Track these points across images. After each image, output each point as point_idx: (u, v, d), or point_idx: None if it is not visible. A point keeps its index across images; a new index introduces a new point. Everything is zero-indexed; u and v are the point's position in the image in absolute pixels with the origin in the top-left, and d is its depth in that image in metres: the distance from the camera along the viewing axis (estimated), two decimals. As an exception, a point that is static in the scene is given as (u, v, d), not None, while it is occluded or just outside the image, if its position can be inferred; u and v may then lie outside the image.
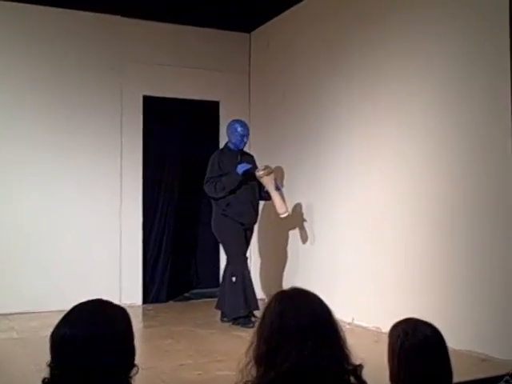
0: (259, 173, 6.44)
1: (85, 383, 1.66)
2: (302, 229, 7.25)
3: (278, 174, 7.21)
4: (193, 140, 8.38)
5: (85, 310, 1.77)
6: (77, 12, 7.39)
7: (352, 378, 1.80)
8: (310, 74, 7.20)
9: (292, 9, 7.51)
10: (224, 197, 6.43)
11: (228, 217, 6.46)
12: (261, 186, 6.63)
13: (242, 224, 6.52)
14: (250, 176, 6.48)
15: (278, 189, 6.61)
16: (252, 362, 1.81)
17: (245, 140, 6.65)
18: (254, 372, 1.80)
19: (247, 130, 6.69)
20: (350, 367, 1.80)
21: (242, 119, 6.95)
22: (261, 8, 7.58)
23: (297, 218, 7.25)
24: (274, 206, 6.70)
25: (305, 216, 7.21)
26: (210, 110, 8.33)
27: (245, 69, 8.55)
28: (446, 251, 5.27)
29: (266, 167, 6.49)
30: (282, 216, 6.64)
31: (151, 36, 7.91)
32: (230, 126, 6.71)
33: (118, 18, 7.64)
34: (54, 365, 1.71)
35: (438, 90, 5.42)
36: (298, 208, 7.28)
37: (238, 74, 8.46)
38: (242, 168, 6.43)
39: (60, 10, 7.31)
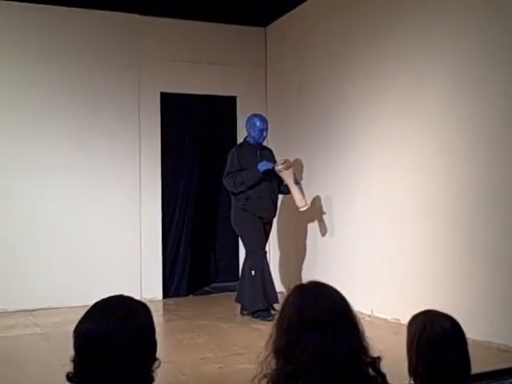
0: (278, 167, 6.45)
1: (108, 377, 1.69)
2: (321, 222, 7.25)
3: (297, 166, 7.22)
4: (210, 135, 8.42)
5: (107, 306, 1.80)
6: (95, 11, 7.47)
7: (370, 370, 1.82)
8: (326, 68, 7.20)
9: (307, 2, 7.49)
10: (243, 191, 6.46)
11: (247, 211, 6.49)
12: (280, 180, 6.65)
13: (262, 218, 6.56)
14: (269, 171, 6.50)
15: (297, 183, 6.63)
16: (271, 355, 1.83)
17: (264, 134, 6.66)
18: (273, 365, 1.82)
19: (266, 124, 6.70)
20: (369, 359, 1.81)
21: (261, 113, 6.97)
22: (276, 2, 7.59)
23: (315, 212, 7.25)
24: (293, 200, 6.72)
25: (323, 209, 7.21)
26: (227, 104, 8.36)
27: (261, 63, 8.55)
28: (465, 242, 5.25)
29: (286, 161, 6.50)
30: (302, 209, 6.67)
31: (168, 33, 7.94)
32: (249, 120, 6.73)
33: (134, 16, 7.69)
34: (77, 360, 1.74)
35: (455, 79, 5.39)
36: (316, 201, 7.29)
37: (255, 68, 8.47)
38: (263, 166, 6.45)
39: (78, 9, 7.38)
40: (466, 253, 5.23)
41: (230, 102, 8.36)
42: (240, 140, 7.25)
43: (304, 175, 7.45)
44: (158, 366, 1.80)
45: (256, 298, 6.40)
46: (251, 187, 6.45)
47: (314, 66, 7.44)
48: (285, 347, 1.79)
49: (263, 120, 6.70)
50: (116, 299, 1.83)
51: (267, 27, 8.52)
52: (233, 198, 6.65)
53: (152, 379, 1.78)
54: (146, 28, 7.81)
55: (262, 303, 6.38)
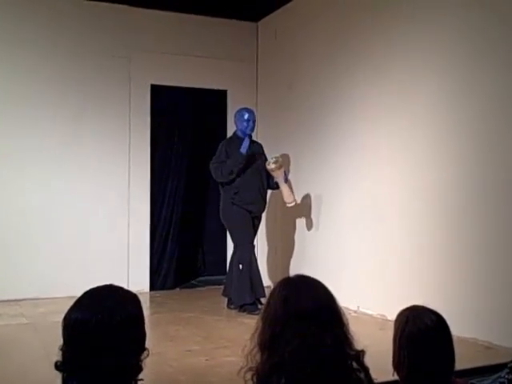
0: (271, 166, 6.51)
1: (97, 367, 1.70)
2: (309, 217, 7.29)
3: (285, 161, 7.26)
4: (200, 129, 8.42)
5: (96, 295, 1.81)
6: (85, 2, 7.44)
7: (354, 364, 1.84)
8: (318, 64, 7.21)
9: (299, -2, 7.52)
10: (233, 180, 6.47)
11: (236, 205, 6.51)
12: (269, 176, 6.68)
13: (250, 212, 6.57)
14: (258, 164, 6.55)
15: (286, 180, 6.69)
16: (256, 348, 1.85)
17: (251, 125, 6.67)
18: (258, 357, 1.83)
19: (253, 115, 6.74)
20: (353, 352, 1.83)
21: (249, 107, 6.98)
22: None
23: (304, 207, 7.29)
24: (281, 195, 6.77)
25: (311, 205, 7.24)
26: (217, 98, 8.35)
27: (252, 58, 8.56)
28: (453, 240, 5.29)
29: (277, 160, 6.55)
30: (290, 205, 6.78)
31: (159, 25, 7.93)
32: (236, 113, 6.81)
33: (125, 7, 7.66)
34: (66, 349, 1.74)
35: (444, 76, 5.42)
36: (304, 196, 7.33)
37: (246, 63, 8.47)
38: (244, 148, 6.47)
39: (69, 0, 7.35)
40: (454, 250, 5.27)
41: (220, 96, 8.35)
42: (230, 134, 7.25)
43: (292, 170, 7.48)
44: (147, 356, 1.81)
45: (243, 292, 6.43)
46: (239, 175, 6.46)
47: (306, 63, 7.46)
48: (270, 339, 1.80)
49: (249, 111, 6.75)
50: (106, 289, 1.84)
51: (259, 22, 8.52)
52: (222, 191, 6.66)
53: (140, 369, 1.79)
54: (138, 20, 7.78)
55: (249, 297, 6.40)
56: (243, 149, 6.46)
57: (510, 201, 4.80)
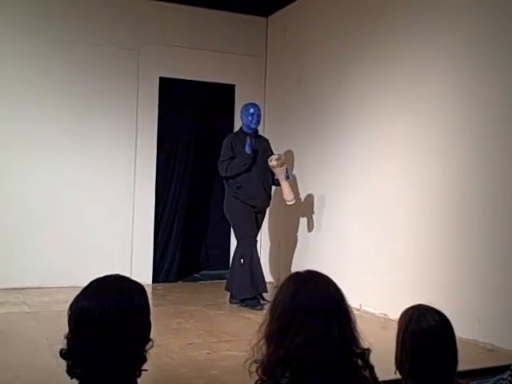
0: (272, 163, 6.50)
1: (102, 355, 1.70)
2: (313, 214, 7.28)
3: (288, 157, 7.26)
4: (208, 123, 8.43)
5: (103, 284, 1.81)
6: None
7: (359, 361, 1.84)
8: (326, 61, 7.20)
9: (310, -6, 7.51)
10: (239, 175, 6.47)
11: (239, 199, 6.51)
12: (273, 174, 6.68)
13: (254, 207, 6.57)
14: (263, 159, 6.54)
15: (287, 178, 6.68)
16: (263, 340, 1.85)
17: (255, 119, 6.67)
18: (264, 350, 1.83)
19: (258, 109, 6.73)
20: (359, 350, 1.83)
21: (255, 102, 6.98)
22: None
23: (308, 204, 7.29)
24: (282, 193, 6.78)
25: (316, 202, 7.23)
26: (225, 92, 8.35)
27: (261, 53, 8.55)
28: (455, 241, 5.28)
29: (279, 158, 6.54)
30: (289, 203, 6.78)
31: (169, 18, 7.92)
32: (242, 108, 6.83)
33: (136, -1, 7.68)
34: (71, 337, 1.75)
35: (454, 75, 5.40)
36: (309, 193, 7.32)
37: (255, 57, 8.47)
38: (249, 147, 6.48)
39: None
40: (457, 252, 5.26)
41: (228, 90, 8.34)
42: (237, 129, 7.25)
43: (297, 167, 7.48)
44: (152, 346, 1.82)
45: (244, 286, 6.42)
46: (246, 171, 6.47)
47: (314, 59, 7.44)
48: (276, 332, 1.80)
49: (255, 106, 6.75)
50: (112, 278, 1.84)
51: (269, 17, 8.51)
52: (226, 185, 6.67)
53: (145, 359, 1.80)
54: (148, 12, 7.79)
55: (250, 292, 6.40)
56: (248, 149, 6.47)
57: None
